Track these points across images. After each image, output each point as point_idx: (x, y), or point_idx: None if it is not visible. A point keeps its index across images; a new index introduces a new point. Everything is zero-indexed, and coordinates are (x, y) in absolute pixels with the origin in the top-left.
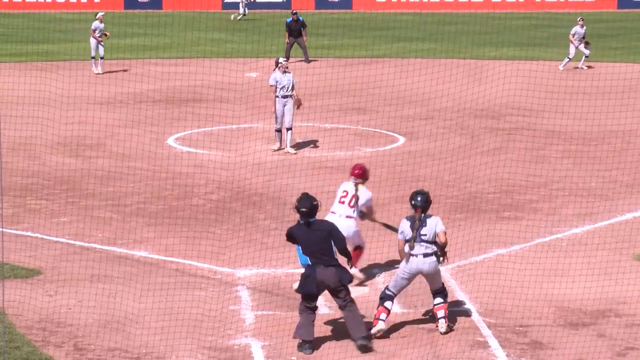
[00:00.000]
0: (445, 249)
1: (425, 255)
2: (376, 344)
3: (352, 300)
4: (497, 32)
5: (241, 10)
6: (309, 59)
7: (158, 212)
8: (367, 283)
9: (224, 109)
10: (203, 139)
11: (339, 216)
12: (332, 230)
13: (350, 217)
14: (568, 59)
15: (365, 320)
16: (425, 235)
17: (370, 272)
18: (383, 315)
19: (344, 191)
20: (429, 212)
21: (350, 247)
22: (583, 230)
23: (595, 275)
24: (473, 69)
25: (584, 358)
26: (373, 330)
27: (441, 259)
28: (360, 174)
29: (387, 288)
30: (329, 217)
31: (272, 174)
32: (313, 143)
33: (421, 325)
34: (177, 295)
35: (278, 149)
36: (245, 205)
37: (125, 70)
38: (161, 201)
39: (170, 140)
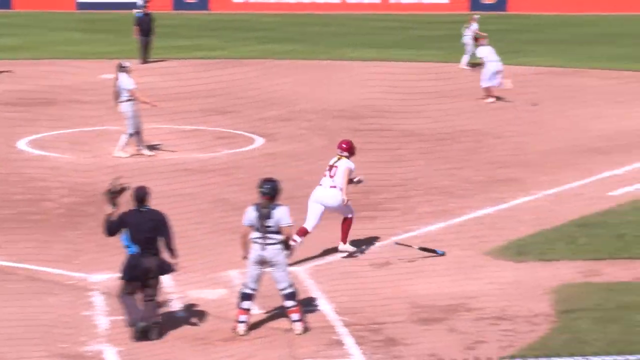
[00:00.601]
0: (290, 242)
1: (268, 244)
2: (234, 345)
3: (157, 294)
4: (356, 33)
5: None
6: (148, 60)
7: (8, 217)
8: (229, 285)
9: (78, 110)
10: (56, 141)
11: (324, 187)
12: (161, 221)
13: (334, 187)
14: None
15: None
16: (271, 226)
17: (227, 274)
18: (243, 317)
19: (329, 166)
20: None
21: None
22: (436, 227)
23: (448, 271)
24: (333, 70)
25: (436, 352)
26: (236, 332)
27: (286, 251)
28: (346, 148)
29: (243, 285)
30: (317, 189)
31: (129, 176)
32: (171, 145)
33: (278, 326)
34: (28, 301)
35: (132, 155)
36: (100, 208)
37: None
38: (11, 205)
39: (22, 144)
